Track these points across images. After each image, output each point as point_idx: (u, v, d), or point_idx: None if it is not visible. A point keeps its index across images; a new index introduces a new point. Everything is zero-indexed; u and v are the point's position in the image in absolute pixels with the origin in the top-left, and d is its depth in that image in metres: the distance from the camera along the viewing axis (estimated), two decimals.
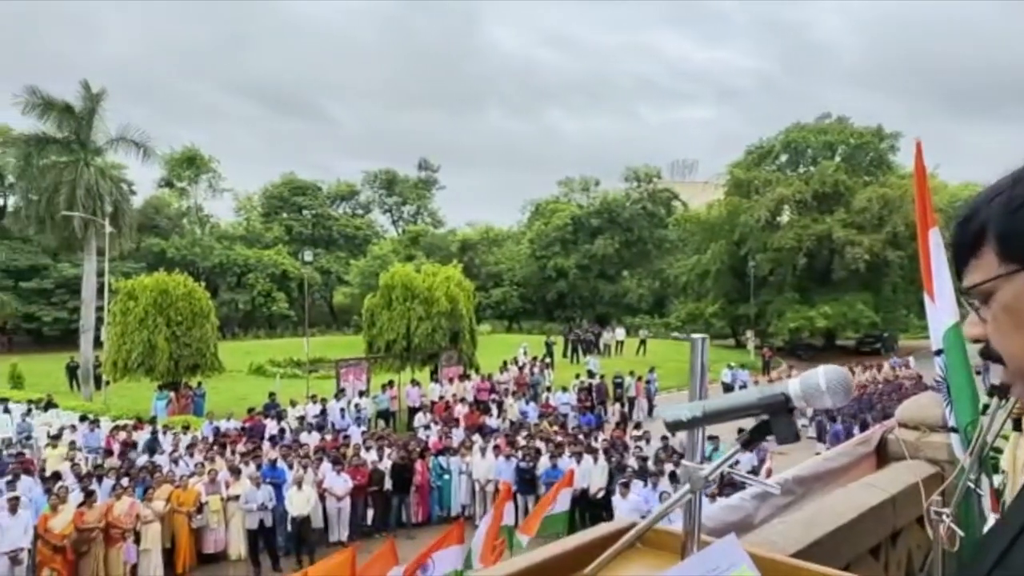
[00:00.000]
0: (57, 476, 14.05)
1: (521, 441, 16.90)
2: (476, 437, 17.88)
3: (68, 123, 33.38)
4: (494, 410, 22.24)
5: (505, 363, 28.41)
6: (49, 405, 24.15)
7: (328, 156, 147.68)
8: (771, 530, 3.45)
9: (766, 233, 46.57)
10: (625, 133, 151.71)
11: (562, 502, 12.51)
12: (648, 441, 17.42)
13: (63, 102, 32.75)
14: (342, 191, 73.51)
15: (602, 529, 1.93)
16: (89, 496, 12.36)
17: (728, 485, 11.57)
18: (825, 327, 45.55)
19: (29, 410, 22.62)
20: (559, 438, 17.43)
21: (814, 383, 1.41)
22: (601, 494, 14.84)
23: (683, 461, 1.71)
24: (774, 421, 1.46)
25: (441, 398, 23.54)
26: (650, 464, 15.03)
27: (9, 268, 48.82)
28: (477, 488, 15.91)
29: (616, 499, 13.63)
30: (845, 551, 3.57)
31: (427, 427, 19.33)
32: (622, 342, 41.40)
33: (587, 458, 15.30)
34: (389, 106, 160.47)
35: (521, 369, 28.31)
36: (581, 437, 17.71)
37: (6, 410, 22.88)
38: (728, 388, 28.09)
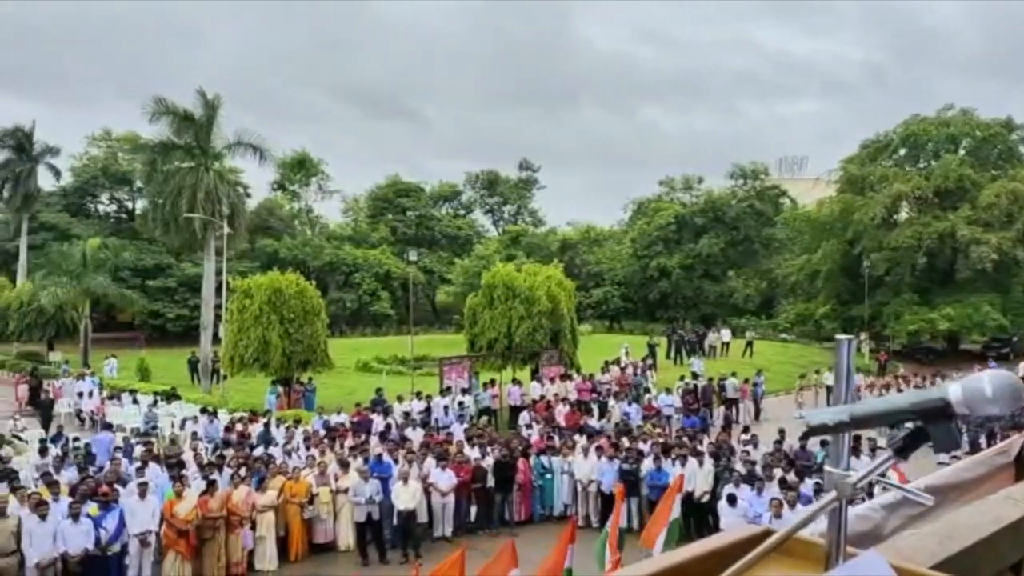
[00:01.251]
0: (181, 464, 14.83)
1: (624, 442, 16.69)
2: (578, 437, 17.78)
3: (189, 130, 35.25)
4: (596, 411, 22.07)
5: (606, 363, 28.16)
6: (173, 397, 25.57)
7: (424, 157, 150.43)
8: (903, 542, 3.23)
9: (882, 231, 44.47)
10: (725, 129, 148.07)
11: (674, 509, 12.25)
12: (756, 445, 16.91)
13: (185, 110, 34.59)
14: (444, 192, 74.77)
15: (736, 534, 1.84)
16: (211, 485, 12.96)
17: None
18: (947, 330, 43.09)
19: (155, 401, 24.00)
20: (663, 440, 17.15)
21: (979, 389, 1.28)
22: (706, 498, 14.49)
23: (828, 468, 1.60)
24: (932, 428, 1.34)
25: (542, 397, 23.53)
26: (758, 469, 14.56)
27: (137, 268, 51.94)
28: (579, 488, 15.81)
29: (722, 504, 13.30)
30: (984, 567, 3.32)
31: (529, 426, 19.35)
32: (727, 343, 40.37)
33: (692, 461, 14.97)
34: (482, 106, 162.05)
35: (623, 370, 28.00)
36: (686, 440, 17.34)
37: (135, 401, 24.40)
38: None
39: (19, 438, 19.66)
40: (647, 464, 15.12)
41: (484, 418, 22.31)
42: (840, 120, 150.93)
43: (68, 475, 13.80)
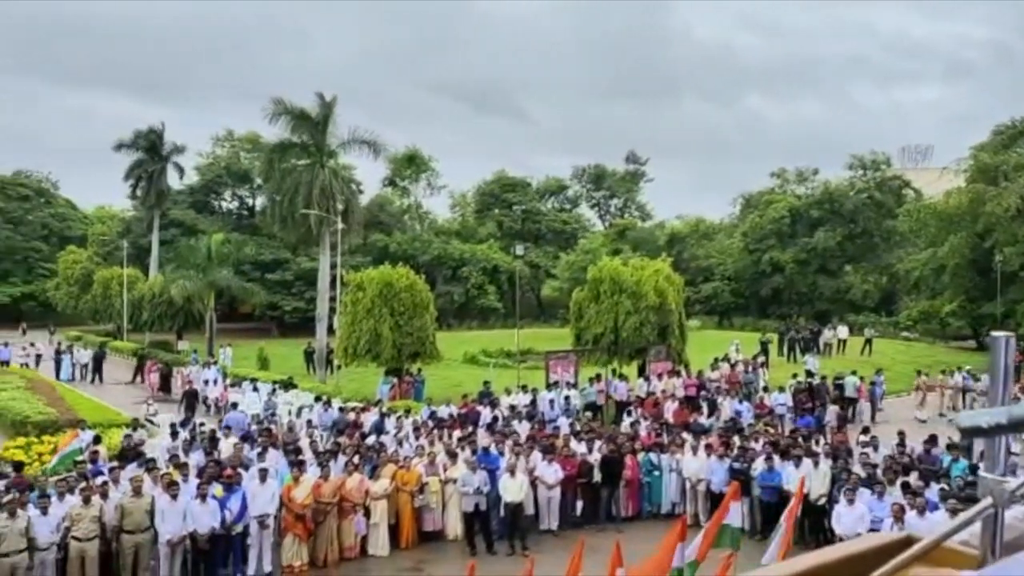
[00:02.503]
0: (298, 451, 15.45)
1: (735, 441, 16.24)
2: (686, 435, 17.43)
3: (306, 129, 36.60)
4: (705, 408, 21.58)
5: (716, 360, 27.50)
6: (290, 386, 26.66)
7: (527, 152, 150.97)
8: None
9: (1017, 223, 41.43)
10: (836, 118, 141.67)
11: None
12: (876, 448, 16.12)
13: (302, 109, 35.92)
14: (551, 186, 74.80)
15: (874, 539, 1.73)
16: (325, 471, 13.43)
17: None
18: None
19: (274, 390, 25.05)
20: (775, 440, 16.59)
21: None
22: (822, 501, 13.92)
23: (982, 473, 1.48)
24: None
25: (650, 394, 23.21)
26: (878, 472, 13.88)
27: (257, 262, 54.45)
28: (688, 487, 15.51)
29: (839, 507, 12.75)
30: None
31: (636, 422, 19.12)
32: (844, 341, 38.66)
33: (807, 462, 14.40)
34: (584, 100, 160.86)
35: (733, 367, 27.27)
36: (800, 439, 16.71)
37: (255, 389, 25.54)
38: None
39: (151, 422, 21.00)
40: (759, 464, 14.66)
41: (589, 413, 22.18)
42: (966, 105, 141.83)
43: (195, 458, 14.59)
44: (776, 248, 56.37)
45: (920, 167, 66.79)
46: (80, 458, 14.58)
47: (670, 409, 21.36)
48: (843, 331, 39.49)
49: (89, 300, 52.82)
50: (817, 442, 16.46)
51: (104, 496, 11.53)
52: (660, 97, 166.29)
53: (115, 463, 13.48)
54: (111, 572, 11.42)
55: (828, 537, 13.59)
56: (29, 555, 10.67)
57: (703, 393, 23.99)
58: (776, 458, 14.62)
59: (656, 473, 15.95)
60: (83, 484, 11.65)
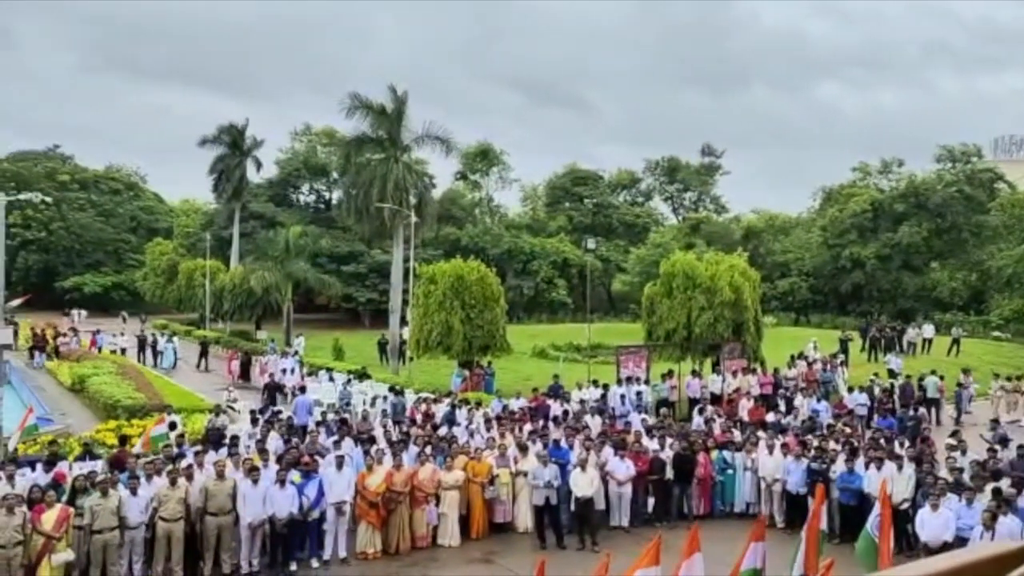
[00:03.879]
0: (372, 440, 15.72)
1: (813, 441, 15.80)
2: (761, 433, 17.03)
3: (381, 124, 37.17)
4: (782, 406, 21.07)
5: (793, 358, 26.81)
6: (364, 376, 27.16)
7: (591, 143, 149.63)
8: None
9: None
10: (917, 107, 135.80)
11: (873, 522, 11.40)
12: (964, 452, 15.44)
13: (379, 105, 36.49)
14: (623, 179, 74.18)
15: (992, 548, 1.63)
16: (398, 460, 13.63)
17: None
18: None
19: (349, 379, 25.57)
20: (855, 441, 16.07)
21: None
22: (905, 506, 13.41)
23: None
24: None
25: (736, 391, 22.78)
26: (966, 477, 13.29)
27: (333, 254, 55.63)
28: (763, 486, 15.17)
29: (924, 513, 12.25)
30: None
31: (710, 420, 18.80)
32: (929, 340, 37.14)
33: (890, 465, 13.90)
34: (648, 90, 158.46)
35: (811, 365, 26.54)
36: (882, 441, 16.14)
37: (331, 379, 26.12)
38: None
39: (232, 408, 21.66)
40: (839, 465, 14.22)
41: (662, 410, 21.90)
42: None
43: (274, 444, 14.99)
44: (857, 243, 54.55)
45: (1014, 159, 63.59)
46: (167, 442, 15.17)
47: (745, 407, 20.94)
48: (928, 330, 37.95)
49: (174, 290, 54.87)
50: (901, 444, 15.87)
51: (190, 479, 11.96)
52: (728, 86, 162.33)
53: (199, 447, 13.95)
54: (195, 552, 11.85)
55: (911, 543, 13.12)
56: (120, 533, 11.17)
57: (780, 391, 23.42)
58: (857, 460, 14.16)
59: (730, 472, 15.67)
60: (170, 467, 12.12)
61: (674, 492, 15.17)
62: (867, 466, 14.04)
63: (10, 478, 11.86)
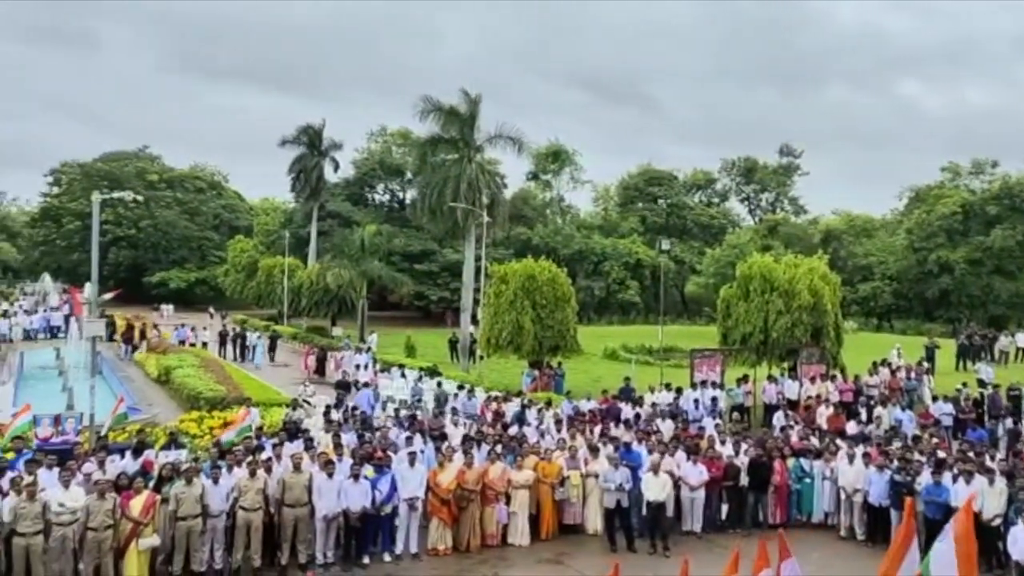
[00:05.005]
0: (443, 437, 15.85)
1: (896, 452, 15.21)
2: (840, 442, 16.50)
3: (454, 125, 37.51)
4: (863, 415, 20.37)
5: (875, 364, 25.86)
6: (435, 373, 27.44)
7: (658, 142, 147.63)
8: None
9: None
10: (1006, 104, 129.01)
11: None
12: None
13: (451, 106, 36.85)
14: (698, 180, 73.14)
15: None
16: (469, 458, 13.71)
17: None
18: None
19: (420, 376, 25.87)
20: (942, 453, 15.41)
21: None
22: (997, 522, 12.78)
23: None
24: None
25: (810, 398, 22.18)
26: None
27: (406, 253, 56.49)
28: (843, 497, 14.69)
29: (1017, 530, 11.65)
30: None
31: (787, 427, 18.31)
32: (1023, 349, 35.43)
33: (979, 479, 13.26)
34: (717, 88, 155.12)
35: (894, 372, 25.58)
36: (971, 454, 15.42)
37: (403, 375, 26.46)
38: None
39: (308, 403, 22.17)
40: (924, 477, 13.65)
41: (736, 415, 21.47)
42: None
43: (347, 438, 15.27)
44: (945, 247, 52.46)
45: None
46: (248, 434, 15.63)
47: (823, 414, 20.32)
48: (1022, 338, 36.19)
49: (254, 286, 56.56)
50: (992, 457, 15.13)
51: (268, 471, 12.28)
52: (802, 84, 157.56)
53: (276, 440, 14.31)
54: (273, 542, 12.15)
55: (1001, 562, 12.51)
56: (203, 520, 11.54)
57: (861, 399, 22.66)
58: (945, 472, 13.56)
59: (807, 480, 15.21)
60: (249, 458, 12.46)
61: (749, 499, 14.82)
62: (955, 479, 13.44)
63: (101, 464, 12.41)
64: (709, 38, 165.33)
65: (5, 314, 42.52)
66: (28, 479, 10.97)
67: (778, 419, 20.04)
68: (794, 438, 16.98)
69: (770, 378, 23.97)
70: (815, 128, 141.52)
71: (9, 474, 11.56)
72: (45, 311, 43.73)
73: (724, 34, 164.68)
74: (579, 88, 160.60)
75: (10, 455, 13.33)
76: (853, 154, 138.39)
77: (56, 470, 11.55)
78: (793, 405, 22.09)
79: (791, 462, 15.26)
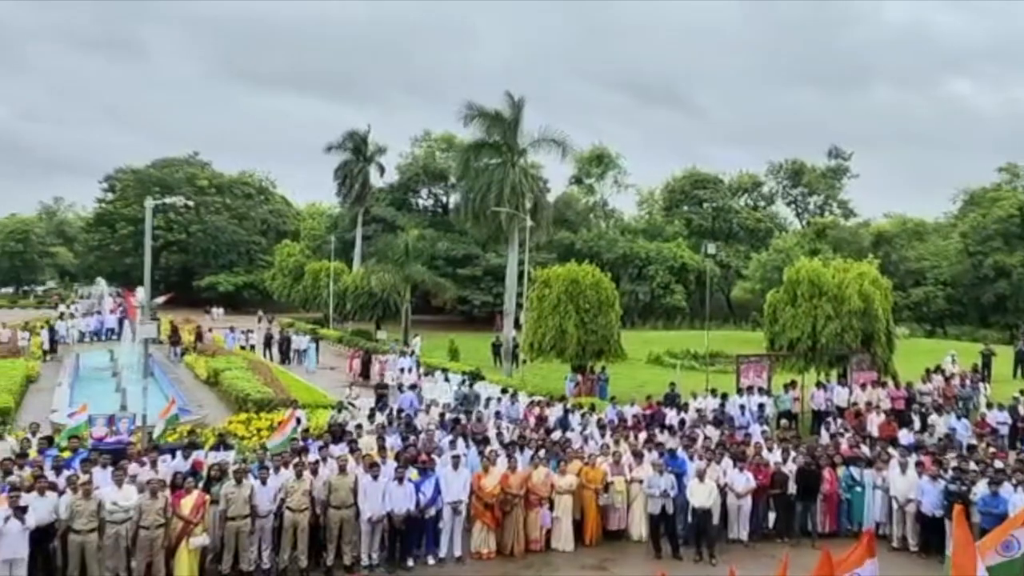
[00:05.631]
0: (486, 441, 15.87)
1: (951, 461, 14.81)
2: (892, 450, 16.11)
3: (497, 129, 37.59)
4: (916, 423, 19.87)
5: (928, 371, 25.23)
6: (478, 377, 27.48)
7: (700, 145, 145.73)
8: None
9: None
10: None
11: (1012, 546, 10.55)
12: None
13: (496, 111, 36.94)
14: (744, 183, 72.22)
15: None
16: (512, 462, 13.69)
17: None
18: None
19: (463, 380, 25.95)
20: (999, 463, 14.94)
21: None
22: None
23: None
24: None
25: (853, 405, 21.72)
26: None
27: (449, 257, 56.77)
28: (895, 507, 14.33)
29: None
30: None
31: (837, 434, 17.94)
32: None
33: None
34: (759, 89, 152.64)
35: (948, 380, 24.91)
36: None
37: (447, 379, 26.58)
38: None
39: (353, 405, 22.39)
40: (981, 487, 13.25)
41: (784, 421, 21.08)
42: None
43: (391, 441, 15.37)
44: (1002, 251, 50.99)
45: None
46: (294, 436, 15.84)
47: (874, 422, 19.85)
48: None
49: (300, 290, 57.36)
50: None
51: (314, 472, 12.42)
52: (847, 85, 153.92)
53: (322, 442, 14.47)
54: (319, 543, 12.28)
55: None
56: (251, 521, 11.73)
57: (914, 407, 22.11)
58: (1003, 483, 13.15)
59: (858, 489, 14.88)
60: (296, 460, 12.62)
61: (797, 508, 14.55)
62: (1015, 489, 13.02)
63: (153, 464, 12.69)
64: (750, 39, 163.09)
65: (62, 316, 43.77)
66: (84, 478, 11.27)
67: (827, 426, 19.64)
68: (844, 446, 16.64)
69: (819, 384, 23.51)
70: (863, 129, 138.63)
71: (66, 472, 11.90)
72: (100, 314, 44.89)
73: (765, 34, 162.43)
74: (619, 91, 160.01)
75: (66, 454, 13.73)
76: (903, 156, 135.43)
77: (110, 469, 11.86)
78: (842, 412, 21.63)
79: (841, 470, 14.96)
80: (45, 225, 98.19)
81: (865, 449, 16.36)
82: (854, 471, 14.94)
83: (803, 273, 25.21)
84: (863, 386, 23.10)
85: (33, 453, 13.86)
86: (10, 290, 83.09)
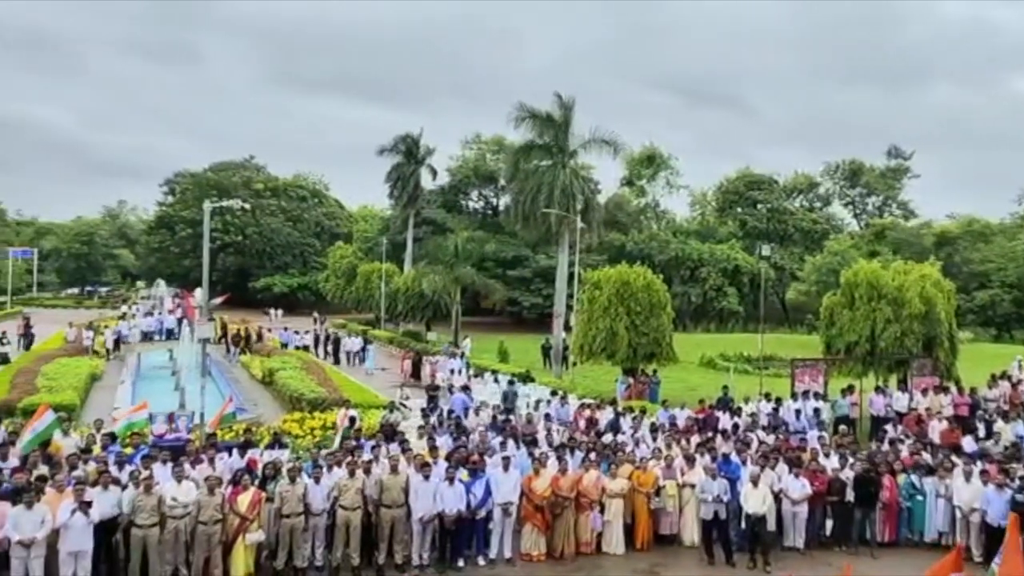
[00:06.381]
0: (535, 443, 15.83)
1: (1019, 470, 14.28)
2: (956, 458, 15.60)
3: (547, 130, 37.55)
4: (981, 430, 19.23)
5: (994, 377, 24.39)
6: (528, 379, 27.48)
7: (751, 145, 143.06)
8: None
9: None
10: None
11: None
12: None
13: (547, 112, 36.91)
14: (799, 184, 70.88)
15: None
16: (563, 464, 13.64)
17: None
18: None
19: (512, 381, 25.98)
20: None
21: None
22: None
23: None
24: None
25: (912, 410, 21.12)
26: None
27: (499, 259, 56.88)
28: (959, 516, 13.88)
29: None
30: None
31: (897, 440, 17.45)
32: None
33: None
34: (813, 88, 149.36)
35: (1015, 385, 24.06)
36: None
37: (496, 380, 26.63)
38: None
39: (404, 406, 22.60)
40: None
41: (842, 427, 20.59)
42: None
43: (442, 441, 15.45)
44: None
45: None
46: (347, 435, 16.03)
47: (936, 428, 19.26)
48: None
49: (353, 291, 58.12)
50: None
51: (367, 471, 12.54)
52: (905, 83, 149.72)
53: (374, 442, 14.61)
54: (371, 541, 12.40)
55: None
56: (305, 518, 11.90)
57: (978, 413, 21.39)
58: None
59: (919, 498, 14.45)
60: (349, 458, 12.77)
61: (856, 516, 14.18)
62: None
63: (211, 461, 12.96)
64: (801, 37, 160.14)
65: (124, 317, 45.10)
66: (145, 473, 11.57)
67: (887, 433, 19.11)
68: (904, 453, 16.16)
69: (878, 389, 22.92)
70: (923, 128, 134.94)
71: (128, 468, 12.23)
72: (160, 314, 46.14)
73: (817, 32, 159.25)
74: (666, 91, 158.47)
75: (128, 450, 14.13)
76: (965, 155, 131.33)
77: (170, 465, 12.15)
78: (902, 418, 21.05)
79: (902, 478, 14.55)
80: (108, 227, 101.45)
81: (927, 456, 15.88)
82: (915, 479, 14.53)
83: (861, 275, 24.63)
84: (924, 391, 22.46)
85: (97, 449, 14.28)
86: (75, 291, 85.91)
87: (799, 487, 13.73)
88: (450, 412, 19.59)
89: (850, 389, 22.81)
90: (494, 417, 19.45)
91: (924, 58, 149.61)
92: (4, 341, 33.55)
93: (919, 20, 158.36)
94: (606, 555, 13.47)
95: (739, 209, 67.50)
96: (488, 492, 12.77)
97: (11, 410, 19.88)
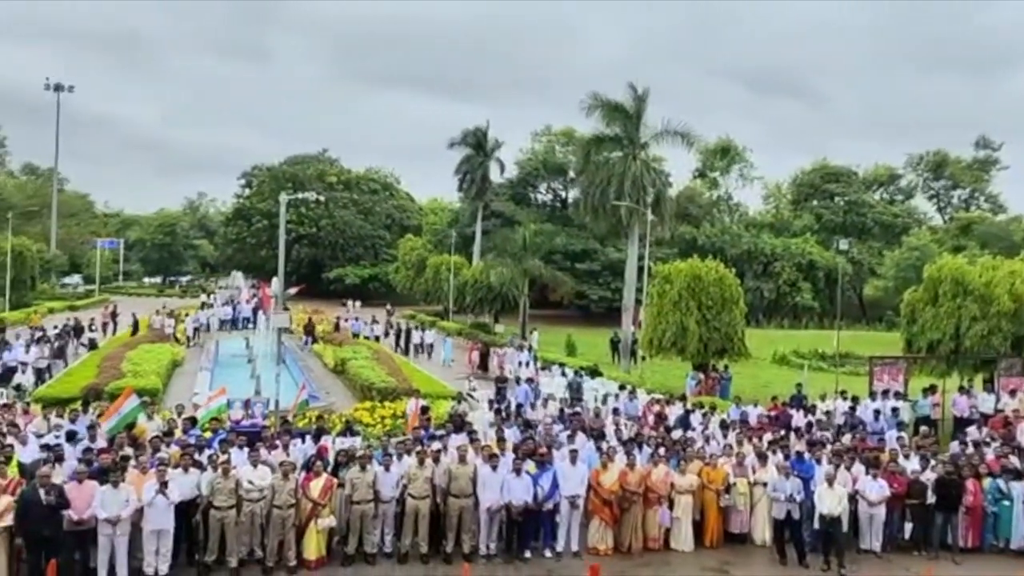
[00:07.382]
0: (603, 436, 15.73)
1: None
2: None
3: (618, 121, 37.21)
4: None
5: None
6: (595, 373, 27.33)
7: (824, 137, 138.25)
8: None
9: None
10: None
11: None
12: None
13: (617, 103, 36.57)
14: (879, 176, 68.52)
15: None
16: (631, 459, 13.51)
17: None
18: None
19: (578, 373, 25.88)
20: None
21: None
22: None
23: None
24: None
25: (999, 411, 20.22)
26: None
27: (567, 252, 56.71)
28: None
29: None
30: None
31: (982, 443, 16.73)
32: None
33: None
34: (887, 77, 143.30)
35: None
36: None
37: (563, 374, 26.58)
38: None
39: (472, 396, 22.77)
40: None
41: (923, 428, 19.86)
42: None
43: (509, 433, 15.50)
44: None
45: None
46: (416, 424, 16.25)
47: None
48: None
49: (422, 283, 58.78)
50: None
51: (436, 461, 12.68)
52: (990, 69, 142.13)
53: (443, 432, 14.75)
54: (439, 530, 12.54)
55: None
56: (375, 505, 12.10)
57: None
58: None
59: (1006, 503, 13.84)
60: (418, 447, 12.93)
61: (936, 520, 13.66)
62: None
63: (285, 447, 13.30)
64: (875, 24, 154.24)
65: (203, 306, 46.64)
66: (222, 457, 11.95)
67: (972, 434, 18.34)
68: (990, 456, 15.50)
69: (962, 389, 22.03)
70: (1013, 118, 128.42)
71: (207, 451, 12.65)
72: (237, 304, 47.52)
73: (891, 18, 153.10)
74: (736, 83, 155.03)
75: (207, 434, 14.61)
76: None
77: (246, 450, 12.52)
78: (987, 420, 20.17)
79: (987, 482, 13.96)
80: (189, 219, 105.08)
81: (1015, 460, 15.18)
82: (1001, 483, 13.92)
83: (946, 271, 23.72)
84: (1012, 392, 21.48)
85: (178, 432, 14.81)
86: (158, 280, 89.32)
87: (877, 488, 13.31)
88: (519, 405, 19.65)
89: (932, 389, 22.01)
90: (561, 410, 19.42)
91: (1012, 42, 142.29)
92: (92, 327, 35.03)
93: (1002, 3, 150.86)
94: (675, 551, 13.30)
95: (815, 202, 65.66)
96: (555, 485, 12.75)
97: (99, 393, 20.78)
